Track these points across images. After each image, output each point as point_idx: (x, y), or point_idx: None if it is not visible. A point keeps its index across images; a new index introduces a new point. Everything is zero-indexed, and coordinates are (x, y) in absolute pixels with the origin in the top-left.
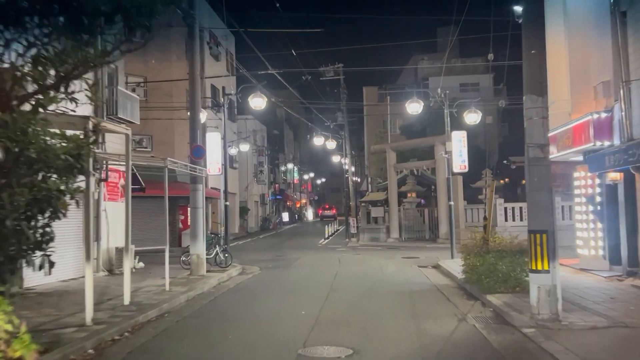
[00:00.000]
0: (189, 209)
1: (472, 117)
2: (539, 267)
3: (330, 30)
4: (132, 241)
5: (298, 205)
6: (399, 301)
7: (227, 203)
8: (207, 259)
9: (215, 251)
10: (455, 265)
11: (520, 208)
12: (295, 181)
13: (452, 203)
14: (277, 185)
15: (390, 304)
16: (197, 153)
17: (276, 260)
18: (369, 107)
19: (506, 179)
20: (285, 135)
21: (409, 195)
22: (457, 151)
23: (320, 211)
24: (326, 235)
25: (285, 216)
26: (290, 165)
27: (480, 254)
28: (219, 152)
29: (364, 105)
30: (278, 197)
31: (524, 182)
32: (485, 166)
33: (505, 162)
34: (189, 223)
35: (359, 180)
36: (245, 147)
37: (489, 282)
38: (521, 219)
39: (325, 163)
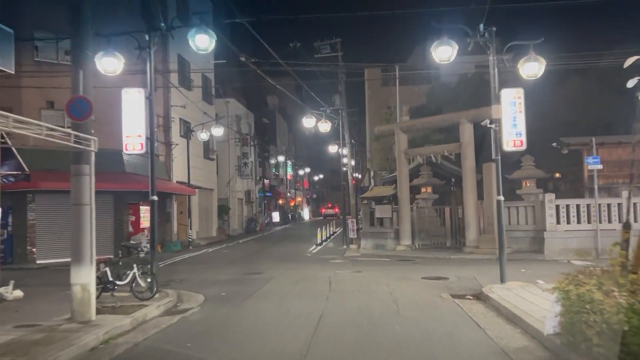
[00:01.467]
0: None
1: (532, 68)
2: None
3: (330, 19)
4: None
5: (292, 204)
6: None
7: (155, 198)
8: (120, 286)
9: (132, 274)
10: (515, 298)
11: (578, 206)
12: (289, 177)
13: (501, 198)
14: (266, 181)
15: None
16: (77, 111)
17: (239, 281)
18: (372, 92)
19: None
20: (278, 126)
21: (423, 190)
22: (509, 119)
23: (323, 210)
24: (319, 241)
25: (276, 216)
26: (281, 158)
27: (630, 299)
28: (142, 120)
29: (367, 79)
30: (268, 194)
31: (557, 175)
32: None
33: (554, 144)
34: (141, 225)
35: (359, 176)
36: (218, 131)
37: None
38: (578, 221)
39: (324, 159)
